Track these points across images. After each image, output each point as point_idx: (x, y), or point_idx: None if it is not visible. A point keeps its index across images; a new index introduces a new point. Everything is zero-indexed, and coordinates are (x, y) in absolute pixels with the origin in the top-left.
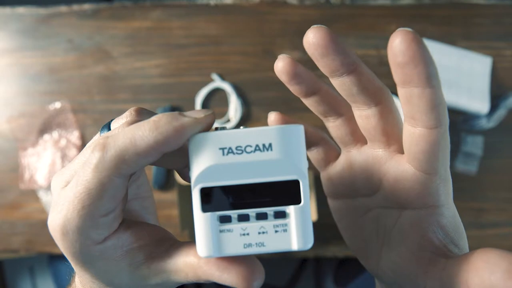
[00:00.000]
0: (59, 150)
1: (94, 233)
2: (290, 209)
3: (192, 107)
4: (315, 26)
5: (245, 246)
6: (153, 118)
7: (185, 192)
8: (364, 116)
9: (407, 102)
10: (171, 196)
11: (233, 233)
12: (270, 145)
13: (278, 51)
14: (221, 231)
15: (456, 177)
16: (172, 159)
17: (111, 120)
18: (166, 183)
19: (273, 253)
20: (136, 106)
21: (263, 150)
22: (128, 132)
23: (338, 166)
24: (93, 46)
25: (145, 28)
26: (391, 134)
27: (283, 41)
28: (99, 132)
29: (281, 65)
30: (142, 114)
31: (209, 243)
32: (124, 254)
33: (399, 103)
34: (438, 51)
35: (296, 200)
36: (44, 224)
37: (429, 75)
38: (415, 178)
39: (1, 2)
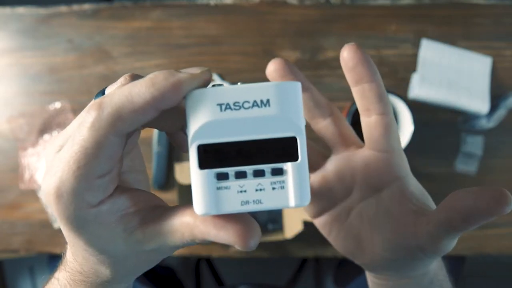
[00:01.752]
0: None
1: (90, 195)
2: (288, 166)
3: None
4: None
5: (243, 203)
6: (149, 75)
7: (185, 192)
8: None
9: (362, 97)
10: (171, 196)
11: (230, 190)
12: (268, 101)
13: (278, 51)
14: (218, 188)
15: (456, 177)
16: (168, 119)
17: (105, 88)
18: (166, 183)
19: (274, 255)
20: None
21: (261, 106)
22: (124, 90)
23: (313, 186)
24: (93, 46)
25: (145, 28)
26: (350, 137)
27: (283, 41)
28: (93, 99)
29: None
30: (137, 79)
31: (206, 201)
32: (118, 219)
33: (401, 104)
34: (438, 51)
35: (293, 157)
36: (44, 224)
37: (373, 72)
38: (380, 158)
39: (1, 2)
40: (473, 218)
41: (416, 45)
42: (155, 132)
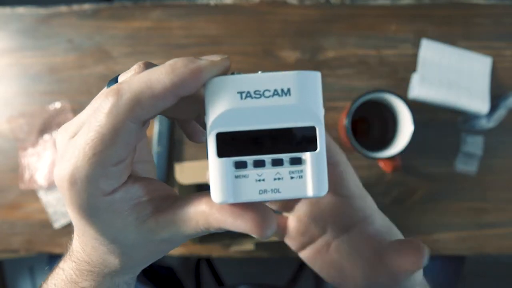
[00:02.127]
0: None
1: (104, 183)
2: (306, 156)
3: None
4: None
5: (261, 192)
6: (169, 62)
7: (185, 193)
8: None
9: None
10: None
11: (248, 179)
12: (288, 90)
13: (278, 51)
14: (236, 176)
15: (456, 177)
16: (184, 107)
17: (118, 76)
18: (166, 183)
19: (274, 255)
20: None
21: (282, 95)
22: (143, 76)
23: (291, 225)
24: (93, 46)
25: (145, 28)
26: None
27: (283, 41)
28: (105, 87)
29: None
30: (151, 67)
31: (224, 189)
32: (131, 208)
33: (401, 104)
34: (438, 51)
35: (312, 146)
36: (44, 224)
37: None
38: (343, 203)
39: (1, 2)
40: (404, 273)
41: (416, 45)
42: (155, 132)
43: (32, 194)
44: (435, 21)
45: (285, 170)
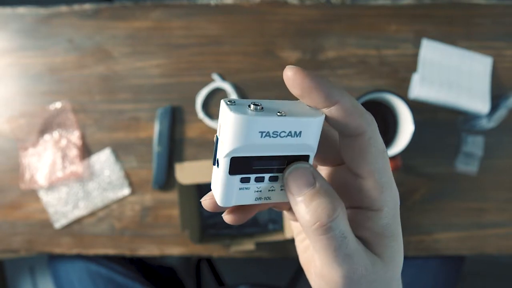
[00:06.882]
0: (60, 150)
1: None
2: None
3: (192, 107)
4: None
5: (256, 199)
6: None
7: (185, 192)
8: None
9: (327, 117)
10: (171, 196)
11: (249, 190)
12: (300, 132)
13: (278, 51)
14: (240, 189)
15: (456, 177)
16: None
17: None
18: (166, 183)
19: (274, 255)
20: (136, 106)
21: (294, 136)
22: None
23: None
24: (94, 46)
25: (146, 28)
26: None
27: (283, 41)
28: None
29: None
30: None
31: (229, 197)
32: None
33: (402, 104)
34: (438, 51)
35: None
36: (44, 224)
37: (324, 96)
38: (353, 181)
39: (1, 2)
40: None
41: (417, 45)
42: (155, 132)
43: (32, 194)
44: (436, 21)
45: (278, 184)
